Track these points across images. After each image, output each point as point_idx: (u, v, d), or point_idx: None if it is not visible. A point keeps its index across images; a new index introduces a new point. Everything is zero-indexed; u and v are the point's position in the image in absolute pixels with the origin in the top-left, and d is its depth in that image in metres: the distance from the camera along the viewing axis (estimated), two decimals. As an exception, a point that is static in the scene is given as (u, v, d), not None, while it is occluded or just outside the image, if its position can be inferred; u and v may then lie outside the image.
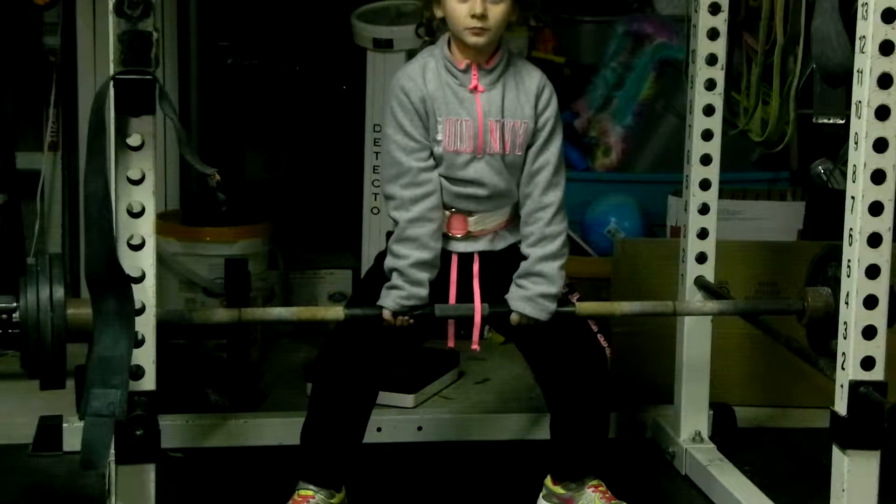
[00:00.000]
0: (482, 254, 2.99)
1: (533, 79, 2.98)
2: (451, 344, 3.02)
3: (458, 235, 2.98)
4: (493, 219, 2.99)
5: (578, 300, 3.05)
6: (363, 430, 3.08)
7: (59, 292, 2.50)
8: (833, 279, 2.96)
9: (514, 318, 2.96)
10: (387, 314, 2.92)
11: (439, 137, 2.93)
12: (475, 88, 2.93)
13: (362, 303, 2.98)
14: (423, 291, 2.93)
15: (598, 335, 3.12)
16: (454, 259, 2.98)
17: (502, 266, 2.99)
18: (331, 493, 3.07)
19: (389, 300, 2.92)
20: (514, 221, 3.01)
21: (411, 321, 2.93)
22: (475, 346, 2.99)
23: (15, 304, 2.50)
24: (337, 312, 2.95)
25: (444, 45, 2.97)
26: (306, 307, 3.08)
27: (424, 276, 2.92)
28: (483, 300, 2.96)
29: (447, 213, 2.96)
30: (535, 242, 2.96)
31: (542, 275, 2.94)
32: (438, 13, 2.95)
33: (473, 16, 2.87)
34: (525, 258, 2.96)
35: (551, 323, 2.97)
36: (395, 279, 2.93)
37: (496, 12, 2.88)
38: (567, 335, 3.03)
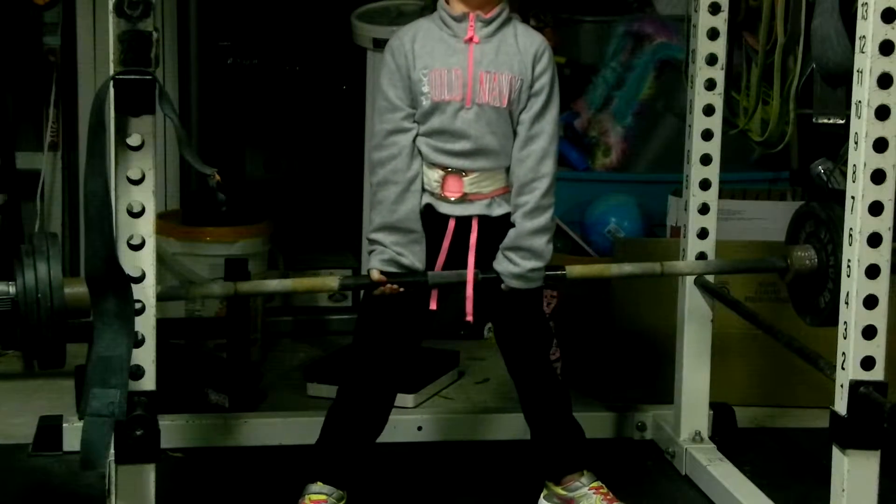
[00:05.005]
0: (480, 219, 2.97)
1: (533, 41, 2.96)
2: (433, 306, 3.01)
3: (453, 198, 2.96)
4: (488, 183, 2.96)
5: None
6: (380, 431, 3.11)
7: (57, 270, 2.48)
8: (814, 237, 3.01)
9: (504, 287, 2.97)
10: (374, 274, 2.92)
11: (425, 90, 2.91)
12: (470, 40, 2.91)
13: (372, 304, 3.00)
14: (402, 257, 2.92)
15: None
16: (451, 223, 2.97)
17: (499, 233, 2.97)
18: (341, 494, 3.08)
19: (372, 261, 2.94)
20: (510, 191, 2.99)
21: (401, 289, 2.93)
22: (469, 318, 2.98)
23: (12, 291, 2.49)
24: (332, 282, 2.98)
25: (442, 0, 2.95)
26: (302, 278, 3.10)
27: (390, 238, 2.92)
28: (476, 267, 2.96)
29: (442, 172, 2.95)
30: (528, 213, 2.94)
31: (531, 250, 2.94)
32: None
33: None
34: (513, 226, 2.95)
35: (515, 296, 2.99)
36: (370, 244, 2.96)
37: None
38: (520, 310, 3.05)
